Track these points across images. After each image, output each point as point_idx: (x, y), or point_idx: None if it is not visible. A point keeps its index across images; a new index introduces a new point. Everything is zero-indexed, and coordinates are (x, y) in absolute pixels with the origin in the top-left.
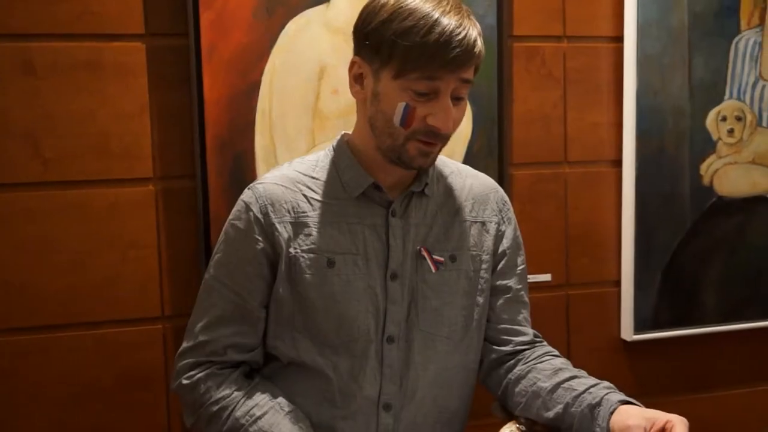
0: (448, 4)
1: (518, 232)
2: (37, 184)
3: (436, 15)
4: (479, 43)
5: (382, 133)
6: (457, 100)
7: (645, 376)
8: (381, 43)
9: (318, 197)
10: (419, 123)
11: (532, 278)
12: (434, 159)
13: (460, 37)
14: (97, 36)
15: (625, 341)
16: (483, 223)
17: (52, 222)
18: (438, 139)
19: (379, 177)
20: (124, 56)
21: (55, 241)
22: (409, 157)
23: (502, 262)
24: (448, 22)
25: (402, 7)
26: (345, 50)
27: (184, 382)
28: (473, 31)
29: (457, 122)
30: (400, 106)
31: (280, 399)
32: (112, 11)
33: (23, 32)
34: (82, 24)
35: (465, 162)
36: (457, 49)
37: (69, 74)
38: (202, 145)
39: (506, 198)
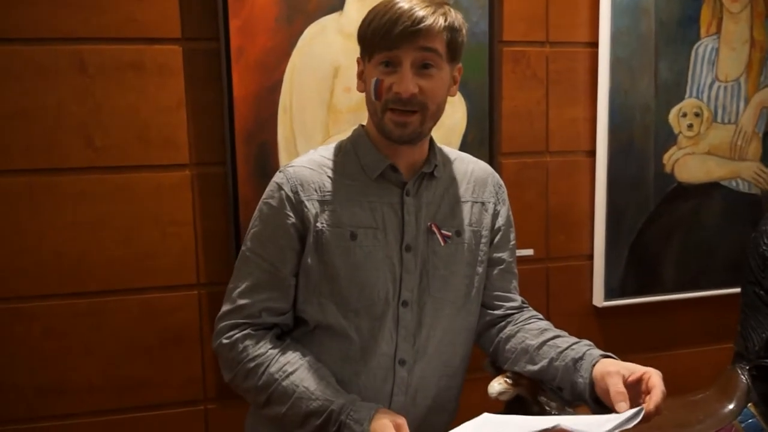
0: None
1: (510, 212)
2: (89, 169)
3: (401, 3)
4: (434, 20)
5: (371, 113)
6: (424, 68)
7: (614, 337)
8: (361, 36)
9: (341, 178)
10: (387, 93)
11: (517, 253)
12: (414, 130)
13: (410, 13)
14: (140, 40)
15: (596, 307)
16: (482, 203)
17: (102, 202)
18: (407, 106)
19: (394, 160)
20: (163, 58)
21: (105, 219)
22: (388, 130)
23: (498, 237)
24: (402, 5)
25: (378, 6)
26: (356, 52)
27: (224, 341)
28: (425, 12)
29: (429, 92)
30: (372, 82)
31: (309, 357)
32: (153, 18)
33: (76, 36)
34: (127, 29)
35: (460, 150)
36: (405, 23)
37: (116, 73)
38: (232, 135)
39: (501, 182)
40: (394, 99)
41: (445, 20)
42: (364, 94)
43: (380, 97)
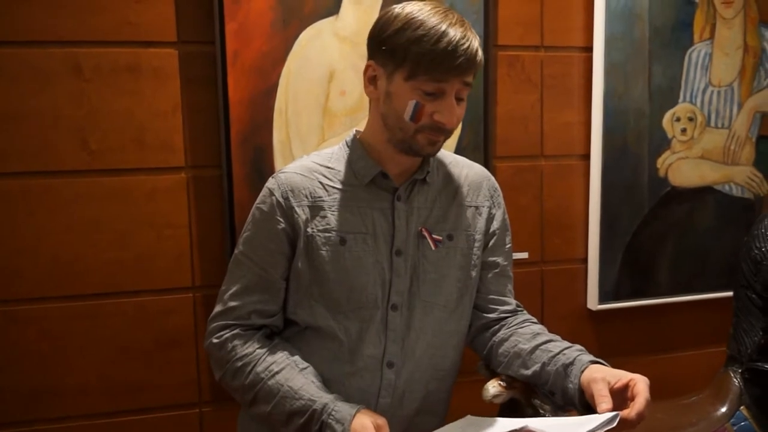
0: (453, 17)
1: (506, 216)
2: (85, 172)
3: (444, 26)
4: (480, 52)
5: (394, 128)
6: (459, 100)
7: (608, 341)
8: (395, 48)
9: (332, 184)
10: (427, 119)
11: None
12: (440, 147)
13: (465, 46)
14: (136, 43)
15: (591, 310)
16: (476, 207)
17: (98, 205)
18: (442, 133)
19: (387, 167)
20: (159, 61)
21: (100, 222)
22: (419, 147)
23: (492, 241)
24: (455, 33)
25: (414, 18)
26: (351, 56)
27: (214, 341)
28: (475, 42)
29: (459, 119)
30: (411, 104)
31: (296, 357)
32: (149, 22)
33: (71, 39)
34: (123, 33)
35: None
36: (462, 57)
37: (111, 76)
38: (227, 139)
39: (497, 185)
40: (433, 126)
41: (481, 52)
42: (360, 98)
43: (418, 121)
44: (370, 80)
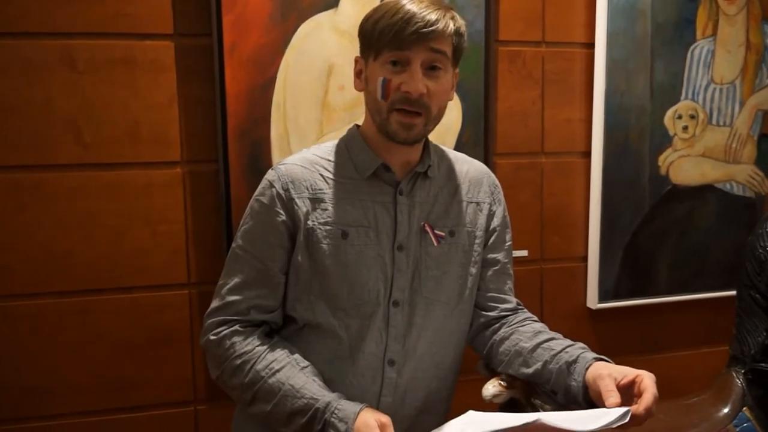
0: (426, 1)
1: (506, 213)
2: (79, 166)
3: (405, 2)
4: (445, 24)
5: (373, 112)
6: (432, 69)
7: (607, 340)
8: (365, 35)
9: (333, 177)
10: (396, 92)
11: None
12: (419, 132)
13: (421, 15)
14: (131, 35)
15: (590, 309)
16: (477, 203)
17: (92, 199)
18: (414, 106)
19: (387, 160)
20: (154, 53)
21: (95, 216)
22: (393, 130)
23: (493, 238)
24: (412, 6)
25: (383, 5)
26: (351, 50)
27: (212, 338)
28: (436, 15)
29: (434, 94)
30: (379, 81)
31: (297, 355)
32: (144, 13)
33: (66, 31)
34: (118, 24)
35: (455, 150)
36: (418, 23)
37: (106, 69)
38: (224, 133)
39: (497, 182)
40: (402, 99)
41: (454, 24)
42: (359, 93)
43: (387, 96)
44: (357, 74)
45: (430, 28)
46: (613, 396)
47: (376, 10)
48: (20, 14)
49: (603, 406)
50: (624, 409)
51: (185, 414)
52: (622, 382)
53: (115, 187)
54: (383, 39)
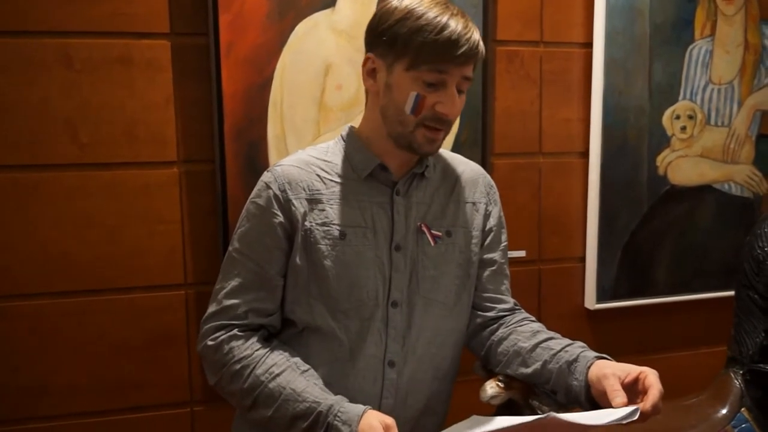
0: (454, 8)
1: (502, 213)
2: (75, 166)
3: (446, 17)
4: (481, 45)
5: (393, 121)
6: (459, 92)
7: (605, 340)
8: (396, 39)
9: (330, 177)
10: (428, 110)
11: (509, 254)
12: (439, 146)
13: (467, 37)
14: (128, 34)
15: (588, 309)
16: (474, 204)
17: (89, 199)
18: (443, 125)
19: (385, 161)
20: (151, 53)
21: (91, 217)
22: (417, 144)
23: (489, 238)
24: (457, 24)
25: (415, 9)
26: (348, 50)
27: (209, 343)
28: (477, 34)
29: (459, 112)
30: (412, 96)
31: (297, 359)
32: (141, 12)
33: (63, 30)
34: (115, 23)
35: (452, 151)
36: (465, 47)
37: (103, 68)
38: (221, 133)
39: (493, 182)
40: (434, 117)
41: (482, 45)
42: (356, 93)
43: (419, 113)
44: (369, 73)
45: (475, 51)
46: (619, 396)
47: (408, 14)
48: (17, 13)
49: (607, 405)
50: (632, 408)
51: (182, 415)
52: (626, 380)
53: (112, 187)
54: (424, 54)
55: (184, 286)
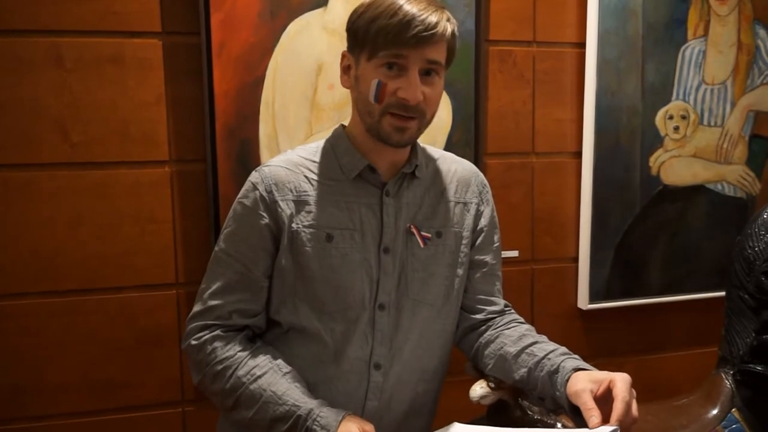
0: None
1: (495, 213)
2: (66, 165)
3: (402, 2)
4: (443, 27)
5: (364, 113)
6: (427, 76)
7: (598, 340)
8: (357, 32)
9: (318, 178)
10: (390, 97)
11: (502, 254)
12: (411, 135)
13: (420, 18)
14: (119, 33)
15: (581, 310)
16: (465, 204)
17: (79, 199)
18: (409, 112)
19: (374, 161)
20: (143, 52)
21: (82, 216)
22: (385, 133)
23: (480, 239)
24: (411, 8)
25: (377, 1)
26: (340, 49)
27: (193, 342)
28: (435, 17)
29: (430, 100)
30: (374, 83)
31: (279, 361)
32: (133, 11)
33: (53, 28)
34: (106, 22)
35: (445, 150)
36: (418, 27)
37: (94, 67)
38: (212, 132)
39: (485, 182)
40: (398, 104)
41: (450, 27)
42: (348, 91)
43: (381, 100)
44: (345, 70)
45: (431, 32)
46: (594, 416)
47: (369, 6)
48: (8, 11)
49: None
50: (610, 429)
51: (173, 415)
52: (599, 393)
53: (103, 186)
54: (379, 40)
55: (175, 286)
